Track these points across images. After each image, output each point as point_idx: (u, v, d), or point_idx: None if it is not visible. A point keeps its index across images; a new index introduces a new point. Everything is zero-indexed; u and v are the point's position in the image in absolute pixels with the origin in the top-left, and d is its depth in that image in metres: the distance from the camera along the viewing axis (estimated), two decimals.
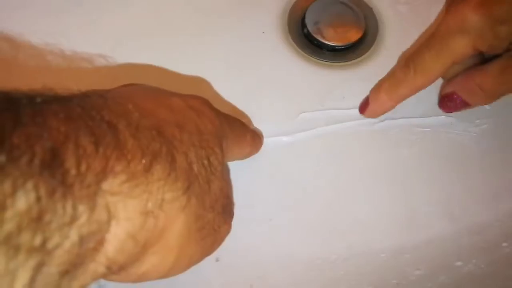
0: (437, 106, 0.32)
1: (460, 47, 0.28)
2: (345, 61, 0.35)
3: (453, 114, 0.32)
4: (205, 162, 0.21)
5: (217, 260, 0.28)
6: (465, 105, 0.31)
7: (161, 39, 0.35)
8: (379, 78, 0.34)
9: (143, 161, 0.18)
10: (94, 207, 0.15)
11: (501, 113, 0.33)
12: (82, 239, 0.15)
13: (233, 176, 0.27)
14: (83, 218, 0.15)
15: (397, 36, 0.36)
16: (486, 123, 0.33)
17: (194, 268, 0.27)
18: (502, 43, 0.27)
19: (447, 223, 0.29)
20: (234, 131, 0.26)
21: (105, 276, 0.17)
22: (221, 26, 0.35)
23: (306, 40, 0.36)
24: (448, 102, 0.31)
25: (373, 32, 0.37)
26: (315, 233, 0.29)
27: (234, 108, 0.33)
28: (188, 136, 0.21)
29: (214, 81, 0.33)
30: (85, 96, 0.18)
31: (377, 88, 0.32)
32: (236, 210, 0.27)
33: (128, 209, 0.17)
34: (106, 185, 0.16)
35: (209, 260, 0.27)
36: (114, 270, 0.17)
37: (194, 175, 0.20)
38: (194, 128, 0.22)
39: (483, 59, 0.30)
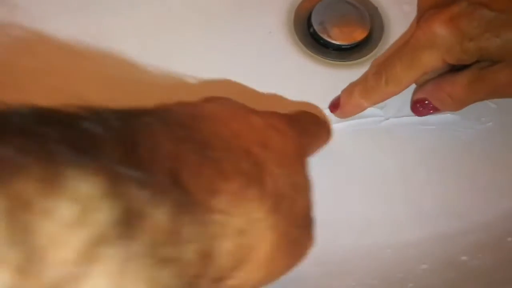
0: None
1: (430, 60, 0.28)
2: (350, 60, 0.36)
3: (458, 112, 0.32)
4: (290, 181, 0.22)
5: None
6: (436, 110, 0.32)
7: (167, 38, 0.35)
8: None
9: (239, 181, 0.18)
10: (209, 223, 0.16)
11: (507, 110, 0.33)
12: (203, 252, 0.16)
13: None
14: (202, 234, 0.16)
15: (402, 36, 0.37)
16: (491, 121, 0.33)
17: None
18: (470, 58, 0.28)
19: (452, 219, 0.30)
20: (313, 138, 0.27)
21: None
22: (228, 25, 0.36)
23: (312, 39, 0.36)
24: (420, 107, 0.32)
25: (378, 32, 0.37)
26: (321, 229, 0.29)
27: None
28: (272, 155, 0.21)
29: (220, 78, 0.34)
30: (173, 112, 0.18)
31: (349, 92, 0.33)
32: None
33: (230, 226, 0.17)
34: (216, 203, 0.17)
35: None
36: (215, 281, 0.18)
37: (281, 195, 0.21)
38: (276, 148, 0.22)
39: (452, 66, 0.30)
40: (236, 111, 0.22)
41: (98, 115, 0.14)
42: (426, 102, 0.31)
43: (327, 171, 0.32)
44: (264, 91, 0.34)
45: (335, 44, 0.36)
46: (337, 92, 0.34)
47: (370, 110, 0.33)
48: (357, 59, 0.36)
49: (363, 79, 0.33)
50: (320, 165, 0.32)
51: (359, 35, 0.36)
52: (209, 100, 0.23)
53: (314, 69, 0.35)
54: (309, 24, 0.36)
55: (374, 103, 0.32)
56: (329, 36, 0.36)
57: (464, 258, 0.27)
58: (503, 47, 0.26)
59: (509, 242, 0.28)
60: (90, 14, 0.35)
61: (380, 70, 0.31)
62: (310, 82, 0.35)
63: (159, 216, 0.13)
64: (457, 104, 0.30)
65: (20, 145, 0.11)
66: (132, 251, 0.12)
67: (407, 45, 0.29)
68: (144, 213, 0.13)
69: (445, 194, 0.31)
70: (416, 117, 0.33)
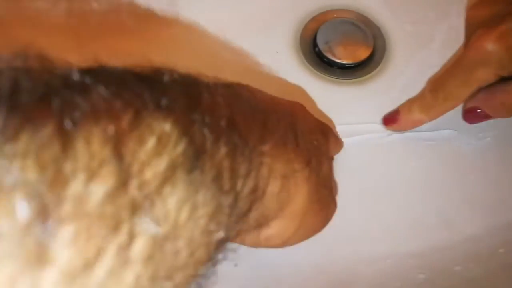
0: (441, 121, 0.34)
1: (484, 76, 0.30)
2: (354, 78, 0.37)
3: (456, 128, 0.34)
4: (316, 144, 0.25)
5: (235, 265, 0.29)
6: (487, 117, 0.33)
7: (178, 58, 0.37)
8: (387, 94, 0.36)
9: (281, 134, 0.22)
10: (260, 164, 0.19)
11: (503, 126, 0.34)
12: (255, 188, 0.19)
13: None
14: (254, 171, 0.19)
15: (404, 54, 0.38)
16: (488, 137, 0.34)
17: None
18: None
19: (448, 231, 0.31)
20: (330, 132, 0.30)
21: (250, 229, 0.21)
22: (237, 44, 0.37)
23: (317, 58, 0.38)
24: (472, 115, 0.34)
25: (381, 51, 0.38)
26: (324, 239, 0.31)
27: None
28: (300, 121, 0.25)
29: None
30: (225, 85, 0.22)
31: (408, 108, 0.34)
32: None
33: (276, 170, 0.21)
34: (264, 148, 0.20)
35: (228, 265, 0.29)
36: (256, 224, 0.21)
37: (311, 153, 0.24)
38: (302, 118, 0.26)
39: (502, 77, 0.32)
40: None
41: (167, 73, 0.17)
42: (479, 110, 0.33)
43: None
44: None
45: (339, 62, 0.37)
46: (342, 109, 0.36)
47: (373, 126, 0.35)
48: (360, 76, 0.38)
49: (421, 96, 0.35)
50: None
51: (362, 54, 0.37)
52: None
53: (319, 87, 0.37)
54: (314, 44, 0.38)
55: (433, 118, 0.34)
56: (334, 55, 0.37)
57: (457, 268, 0.28)
58: None
59: (501, 253, 0.30)
60: None
61: (437, 87, 0.33)
62: (315, 99, 0.36)
63: (221, 153, 0.16)
64: (510, 111, 0.32)
65: (127, 97, 0.14)
66: (201, 180, 0.15)
67: (460, 63, 0.31)
68: (209, 151, 0.16)
69: (443, 207, 0.32)
70: (417, 133, 0.34)
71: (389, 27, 0.39)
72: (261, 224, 0.22)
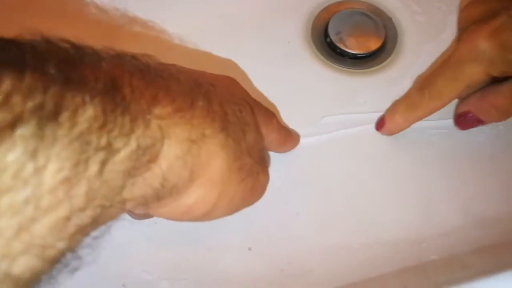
0: (453, 110, 0.34)
1: (473, 73, 0.29)
2: (366, 68, 0.38)
3: None
4: (238, 114, 0.25)
5: (249, 249, 0.30)
6: (479, 122, 0.32)
7: (190, 51, 0.37)
8: (398, 84, 0.36)
9: (186, 100, 0.21)
10: (148, 125, 0.19)
11: None
12: (139, 148, 0.18)
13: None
14: (139, 131, 0.18)
15: (415, 45, 0.38)
16: (501, 125, 0.34)
17: (228, 256, 0.30)
18: None
19: (461, 217, 0.31)
20: (261, 110, 0.29)
21: (160, 199, 0.21)
22: (250, 35, 0.38)
23: (329, 49, 0.38)
24: (464, 120, 0.33)
25: (392, 41, 0.39)
26: (338, 225, 0.31)
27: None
28: (221, 91, 0.25)
29: (242, 81, 0.36)
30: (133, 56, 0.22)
31: (393, 110, 0.34)
32: (267, 205, 0.29)
33: (176, 133, 0.20)
34: (157, 110, 0.19)
35: (243, 249, 0.29)
36: (166, 191, 0.21)
37: (229, 121, 0.24)
38: (226, 89, 0.25)
39: (494, 78, 0.31)
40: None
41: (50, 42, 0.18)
42: (470, 114, 0.32)
43: (343, 171, 0.34)
44: (283, 98, 0.36)
45: (351, 53, 0.37)
46: (353, 99, 0.36)
47: None
48: (372, 67, 0.38)
49: (407, 96, 0.34)
50: (336, 166, 0.34)
51: (374, 44, 0.38)
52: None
53: (331, 77, 0.37)
54: (326, 34, 0.38)
55: (419, 119, 0.33)
56: (345, 46, 0.38)
57: (470, 251, 0.28)
58: None
59: None
60: None
61: (423, 86, 0.32)
62: (327, 89, 0.37)
63: (90, 108, 0.16)
64: (502, 115, 0.31)
65: None
66: (57, 134, 0.16)
67: (449, 60, 0.30)
68: (72, 105, 0.16)
69: (456, 194, 0.32)
70: (430, 121, 0.34)
71: (401, 18, 0.39)
72: (174, 192, 0.21)
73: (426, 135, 0.34)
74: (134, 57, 0.21)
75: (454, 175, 0.33)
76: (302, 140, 0.34)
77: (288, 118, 0.35)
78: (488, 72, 0.29)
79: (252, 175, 0.25)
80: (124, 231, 0.30)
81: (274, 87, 0.36)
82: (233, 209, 0.26)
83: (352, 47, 0.38)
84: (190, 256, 0.30)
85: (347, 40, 0.38)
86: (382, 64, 0.38)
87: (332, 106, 0.36)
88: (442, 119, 0.34)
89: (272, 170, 0.31)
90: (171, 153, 0.20)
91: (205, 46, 0.37)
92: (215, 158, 0.22)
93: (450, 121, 0.35)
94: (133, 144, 0.18)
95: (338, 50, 0.38)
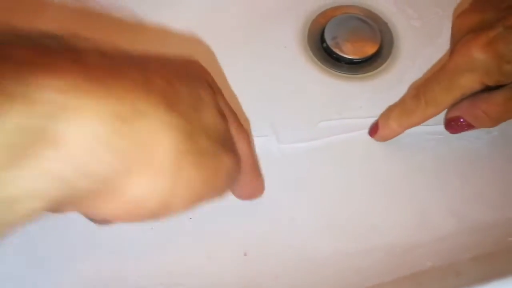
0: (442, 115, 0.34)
1: (469, 83, 0.30)
2: (362, 73, 0.38)
3: None
4: (194, 92, 0.22)
5: (245, 254, 0.30)
6: (470, 127, 0.33)
7: (186, 50, 0.37)
8: (394, 89, 0.36)
9: (108, 71, 0.18)
10: (35, 100, 0.16)
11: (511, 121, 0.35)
12: (21, 129, 0.15)
13: None
14: (19, 109, 0.15)
15: (411, 50, 0.39)
16: (497, 131, 0.34)
17: (223, 262, 0.30)
18: (508, 80, 0.29)
19: (456, 222, 0.31)
20: (228, 108, 0.26)
21: (87, 194, 0.18)
22: (246, 39, 0.38)
23: (325, 54, 0.38)
24: (455, 124, 0.33)
25: (388, 46, 0.39)
26: (333, 230, 0.31)
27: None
28: (175, 69, 0.22)
29: (237, 91, 0.36)
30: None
31: (387, 115, 0.34)
32: (262, 211, 0.29)
33: (90, 108, 0.17)
34: (56, 83, 0.16)
35: (238, 254, 0.29)
36: (91, 183, 0.18)
37: (178, 98, 0.21)
38: (183, 68, 0.23)
39: (488, 87, 0.31)
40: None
41: None
42: (461, 120, 0.32)
43: (339, 176, 0.34)
44: (279, 102, 0.36)
45: (347, 58, 0.38)
46: (349, 104, 0.36)
47: None
48: (368, 72, 0.38)
49: (401, 102, 0.34)
50: (332, 171, 0.34)
51: (370, 49, 0.38)
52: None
53: (327, 82, 0.37)
54: (322, 39, 0.38)
55: (413, 125, 0.33)
56: (341, 51, 0.38)
57: (467, 255, 0.28)
58: None
59: (510, 241, 0.30)
60: None
61: (419, 93, 0.32)
62: (323, 94, 0.37)
63: None
64: (493, 121, 0.31)
65: None
66: None
67: (445, 69, 0.31)
68: None
69: (451, 199, 0.32)
70: (425, 127, 0.34)
71: (396, 23, 0.40)
72: (108, 184, 0.18)
73: (422, 140, 0.35)
74: (47, 35, 0.18)
75: (449, 180, 0.33)
76: (298, 145, 0.34)
77: (285, 123, 0.35)
78: (483, 82, 0.29)
79: (212, 157, 0.22)
80: (118, 236, 0.30)
81: (270, 91, 0.36)
82: (198, 197, 0.22)
83: (348, 52, 0.38)
84: (186, 261, 0.30)
85: (343, 45, 0.38)
86: (378, 69, 0.38)
87: (328, 111, 0.36)
88: (438, 125, 0.35)
89: (270, 175, 0.31)
90: (83, 134, 0.17)
91: (196, 47, 0.37)
92: (160, 140, 0.19)
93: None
94: (9, 125, 0.15)
95: (334, 55, 0.38)
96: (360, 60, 0.38)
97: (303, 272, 0.29)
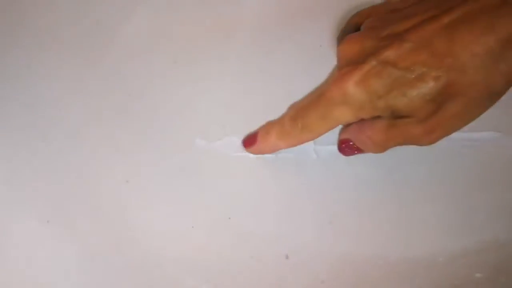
0: (484, 122, 0.34)
1: (343, 116, 0.30)
2: None
3: (500, 130, 0.34)
4: None
5: (287, 257, 0.30)
6: (359, 151, 0.33)
7: (223, 50, 0.37)
8: None
9: None
10: None
11: None
12: None
13: (297, 184, 0.30)
14: None
15: None
16: None
17: (266, 265, 0.30)
18: (382, 113, 0.29)
19: (501, 228, 0.32)
20: None
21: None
22: (283, 37, 0.38)
23: None
24: (345, 147, 0.33)
25: None
26: (372, 236, 0.32)
27: None
28: None
29: (273, 89, 0.36)
30: None
31: (266, 131, 0.34)
32: (302, 215, 0.29)
33: None
34: None
35: (280, 257, 0.29)
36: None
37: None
38: None
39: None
40: None
41: None
42: (351, 143, 0.33)
43: (371, 179, 0.34)
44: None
45: None
46: None
47: None
48: None
49: (280, 121, 0.34)
50: (362, 174, 0.34)
51: None
52: None
53: None
54: None
55: (290, 146, 0.33)
56: None
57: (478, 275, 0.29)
58: (408, 104, 0.27)
59: None
60: None
61: (296, 116, 0.32)
62: None
63: None
64: (377, 147, 0.31)
65: None
66: None
67: (321, 98, 0.30)
68: None
69: (492, 205, 0.33)
70: (460, 133, 0.34)
71: None
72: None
73: (456, 146, 0.35)
74: None
75: (484, 186, 0.34)
76: (333, 147, 0.34)
77: None
78: (357, 116, 0.30)
79: None
80: (167, 236, 0.30)
81: (301, 86, 0.36)
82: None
83: None
84: (231, 262, 0.30)
85: None
86: None
87: None
88: (473, 131, 0.35)
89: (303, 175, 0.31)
90: None
91: (236, 47, 0.37)
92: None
93: (481, 134, 0.35)
94: None
95: None
96: None
97: (346, 275, 0.30)
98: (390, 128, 0.30)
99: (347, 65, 0.29)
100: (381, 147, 0.31)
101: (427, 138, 0.29)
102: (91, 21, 0.37)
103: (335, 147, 0.34)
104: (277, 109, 0.35)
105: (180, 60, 0.36)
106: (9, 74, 0.35)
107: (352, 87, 0.28)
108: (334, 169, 0.34)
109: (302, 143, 0.33)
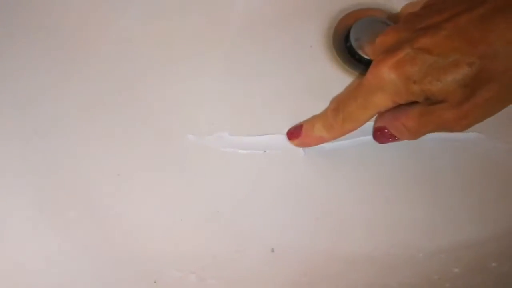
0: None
1: (381, 101, 0.30)
2: None
3: (485, 131, 0.35)
4: None
5: (272, 251, 0.31)
6: (394, 138, 0.34)
7: (213, 48, 0.38)
8: None
9: None
10: None
11: None
12: None
13: (285, 180, 0.30)
14: None
15: None
16: None
17: (251, 258, 0.31)
18: (417, 98, 0.30)
19: (478, 227, 0.32)
20: None
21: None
22: (274, 38, 0.38)
23: (349, 55, 0.39)
24: (380, 134, 0.34)
25: None
26: (357, 232, 0.32)
27: None
28: None
29: (263, 87, 0.36)
30: None
31: (311, 124, 0.35)
32: (289, 211, 0.30)
33: None
34: None
35: (265, 251, 0.30)
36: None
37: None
38: None
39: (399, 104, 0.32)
40: None
41: None
42: (386, 130, 0.33)
43: (360, 178, 0.35)
44: (302, 98, 0.36)
45: (369, 59, 0.38)
46: None
47: None
48: None
49: (324, 114, 0.35)
50: (353, 173, 0.35)
51: None
52: None
53: (348, 81, 0.38)
54: (346, 41, 0.39)
55: (334, 138, 0.34)
56: (364, 52, 0.38)
57: (493, 264, 0.30)
58: (443, 89, 0.28)
59: None
60: None
61: (338, 107, 0.33)
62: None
63: None
64: (411, 134, 0.32)
65: None
66: None
67: (361, 86, 0.31)
68: None
69: (470, 206, 0.34)
70: (447, 134, 0.35)
71: None
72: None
73: (442, 145, 0.36)
74: None
75: (469, 184, 0.35)
76: (320, 146, 0.35)
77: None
78: (394, 101, 0.30)
79: None
80: (155, 229, 0.31)
81: (292, 87, 0.37)
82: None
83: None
84: (218, 254, 0.31)
85: (366, 47, 0.38)
86: None
87: None
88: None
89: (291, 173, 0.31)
90: None
91: (226, 45, 0.37)
92: None
93: (466, 135, 0.36)
94: None
95: (357, 56, 0.38)
96: None
97: (330, 269, 0.30)
98: (424, 114, 0.30)
99: (382, 54, 0.30)
100: (415, 134, 0.32)
101: (460, 123, 0.29)
102: (83, 19, 0.38)
103: (321, 145, 0.35)
104: (266, 107, 0.36)
105: (171, 58, 0.37)
106: (1, 71, 0.36)
107: (387, 72, 0.29)
108: (321, 167, 0.35)
109: (346, 133, 0.33)
